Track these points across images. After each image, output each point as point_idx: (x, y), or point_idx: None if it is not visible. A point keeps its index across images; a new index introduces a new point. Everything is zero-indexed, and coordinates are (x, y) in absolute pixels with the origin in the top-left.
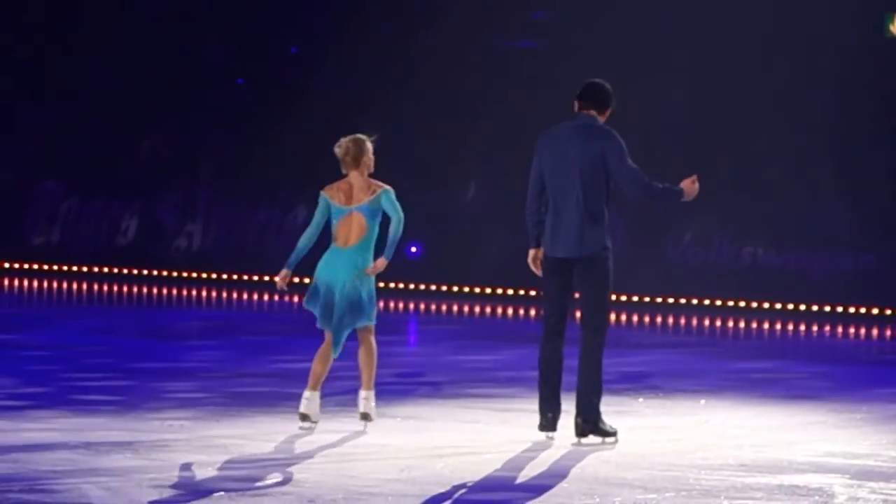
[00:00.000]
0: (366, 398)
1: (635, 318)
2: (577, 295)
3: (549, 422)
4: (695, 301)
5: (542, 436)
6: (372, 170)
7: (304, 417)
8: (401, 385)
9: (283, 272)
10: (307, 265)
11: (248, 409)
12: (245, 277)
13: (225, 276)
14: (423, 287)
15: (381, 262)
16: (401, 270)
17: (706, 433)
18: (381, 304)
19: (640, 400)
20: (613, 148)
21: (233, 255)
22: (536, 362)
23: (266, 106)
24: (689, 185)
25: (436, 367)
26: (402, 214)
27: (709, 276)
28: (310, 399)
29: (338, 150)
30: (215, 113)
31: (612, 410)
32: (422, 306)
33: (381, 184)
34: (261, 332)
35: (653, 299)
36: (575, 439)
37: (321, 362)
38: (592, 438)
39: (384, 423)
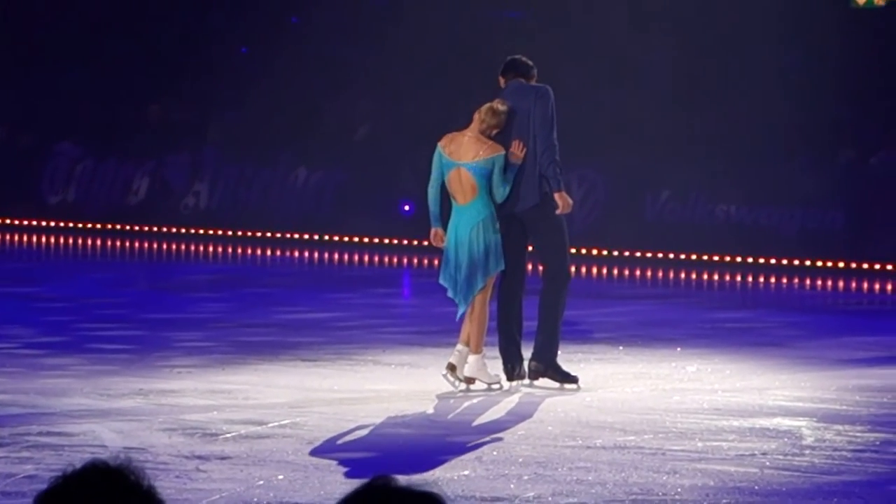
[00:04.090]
0: (470, 362)
1: (615, 271)
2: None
3: (508, 372)
4: (672, 255)
5: (509, 385)
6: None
7: (451, 367)
8: (395, 334)
9: (432, 231)
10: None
11: (252, 357)
12: (249, 234)
13: (230, 233)
14: (416, 243)
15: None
16: (395, 227)
17: (682, 379)
18: (377, 258)
19: (620, 349)
20: (545, 102)
21: (238, 212)
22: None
23: (269, 73)
24: (564, 201)
25: (427, 318)
26: (506, 189)
27: (685, 231)
28: (460, 351)
29: (493, 120)
30: (221, 80)
31: (594, 358)
32: (415, 261)
33: (496, 145)
34: (264, 285)
35: (632, 253)
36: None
37: (465, 323)
38: (549, 383)
39: (379, 370)
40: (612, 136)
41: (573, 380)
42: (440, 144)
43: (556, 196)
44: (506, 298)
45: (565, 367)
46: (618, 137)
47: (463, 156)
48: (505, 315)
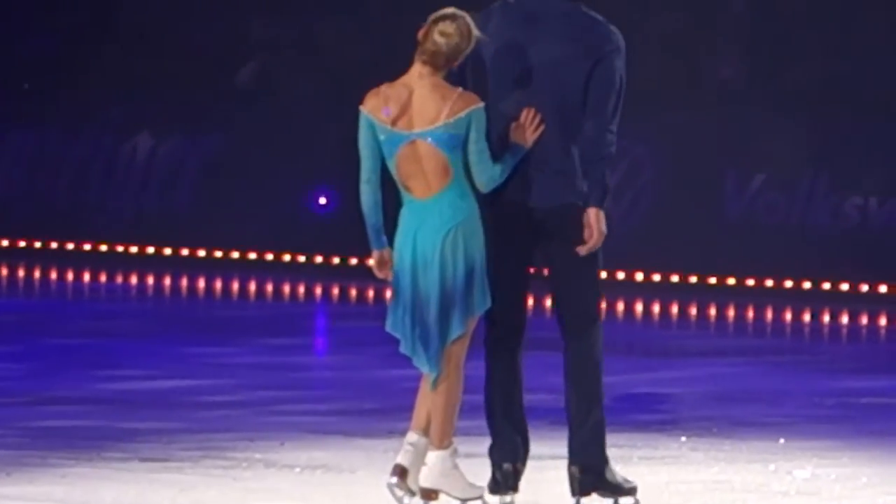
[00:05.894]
0: (432, 463)
1: (675, 309)
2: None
3: (506, 477)
4: (769, 282)
5: (498, 500)
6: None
7: (400, 472)
8: (302, 415)
9: (375, 256)
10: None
11: (57, 454)
12: (54, 245)
13: (23, 244)
14: (337, 261)
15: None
16: (303, 234)
17: (787, 492)
18: (271, 287)
19: (683, 440)
20: (617, 62)
21: (31, 211)
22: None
23: None
24: (596, 224)
25: (355, 388)
26: (498, 171)
27: (792, 241)
28: (415, 445)
29: (440, 40)
30: None
31: (639, 456)
32: (335, 291)
33: (469, 93)
34: (79, 333)
35: (702, 279)
36: (571, 500)
37: (423, 398)
38: (597, 498)
39: (274, 476)
40: (669, 84)
41: (629, 491)
42: (366, 109)
43: (591, 213)
44: (499, 353)
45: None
46: (678, 87)
47: (417, 120)
48: (502, 377)
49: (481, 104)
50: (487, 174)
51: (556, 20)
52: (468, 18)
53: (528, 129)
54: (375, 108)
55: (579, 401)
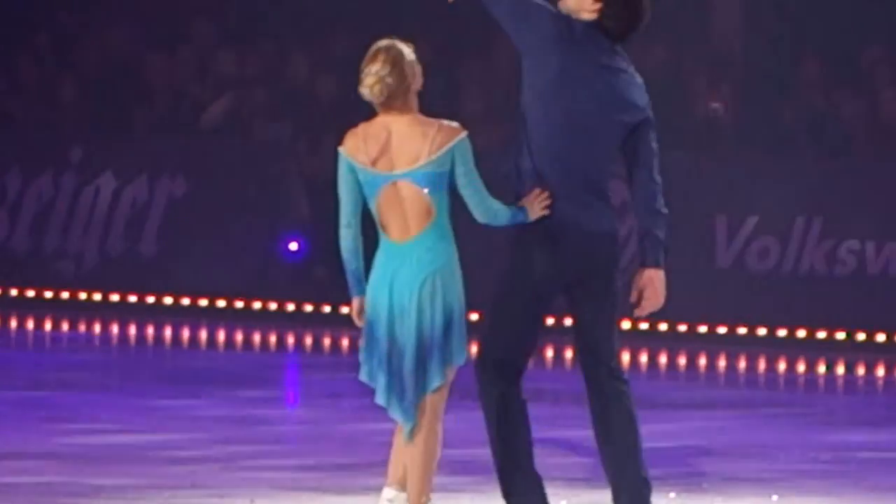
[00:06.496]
0: None
1: (663, 359)
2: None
3: None
4: (762, 331)
5: None
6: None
7: None
8: (274, 471)
9: (356, 302)
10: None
11: None
12: (15, 293)
13: None
14: (310, 308)
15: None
16: (274, 281)
17: None
18: (241, 335)
19: (672, 496)
20: (651, 125)
21: None
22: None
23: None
24: (654, 290)
25: (329, 442)
26: (496, 206)
27: (786, 288)
28: (393, 501)
29: (366, 92)
30: None
31: None
32: (307, 340)
33: (450, 124)
34: (42, 384)
35: (691, 328)
36: None
37: (398, 451)
38: None
39: None
40: (656, 124)
41: None
42: (345, 150)
43: (653, 275)
44: (501, 392)
45: None
46: (665, 126)
47: (398, 160)
48: (512, 420)
49: (464, 134)
50: (484, 206)
51: (605, 58)
52: (396, 46)
53: (538, 205)
54: (355, 150)
55: (628, 461)
